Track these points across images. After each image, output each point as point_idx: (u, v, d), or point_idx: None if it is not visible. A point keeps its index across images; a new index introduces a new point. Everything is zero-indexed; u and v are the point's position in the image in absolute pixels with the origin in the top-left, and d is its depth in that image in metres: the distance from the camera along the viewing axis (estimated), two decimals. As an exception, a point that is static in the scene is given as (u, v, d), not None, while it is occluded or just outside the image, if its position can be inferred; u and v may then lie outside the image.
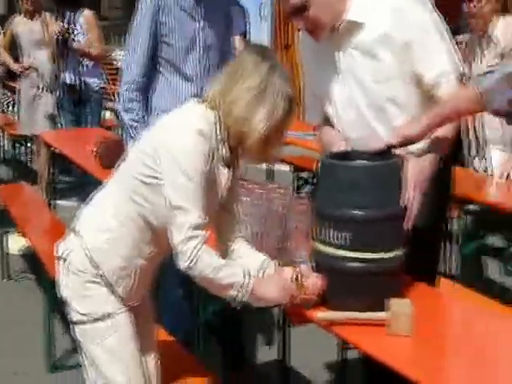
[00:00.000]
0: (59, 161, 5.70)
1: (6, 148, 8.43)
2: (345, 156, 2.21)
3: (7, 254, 5.03)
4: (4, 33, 6.81)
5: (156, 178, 2.08)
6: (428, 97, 2.34)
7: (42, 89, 6.23)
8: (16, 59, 6.44)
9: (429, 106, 2.31)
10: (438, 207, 2.46)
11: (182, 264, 2.04)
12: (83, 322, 2.18)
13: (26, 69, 6.24)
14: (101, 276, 2.15)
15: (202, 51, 3.25)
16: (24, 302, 4.45)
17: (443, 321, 2.12)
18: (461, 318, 2.17)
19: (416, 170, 2.13)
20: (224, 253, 2.21)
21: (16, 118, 6.64)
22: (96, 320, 2.16)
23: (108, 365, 2.17)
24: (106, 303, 2.17)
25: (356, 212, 2.04)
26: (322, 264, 2.16)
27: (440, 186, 2.40)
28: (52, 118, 6.27)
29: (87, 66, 6.05)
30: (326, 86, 2.45)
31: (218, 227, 2.26)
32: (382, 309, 2.02)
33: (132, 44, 3.26)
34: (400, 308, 2.00)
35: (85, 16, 5.98)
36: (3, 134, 8.30)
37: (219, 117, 2.09)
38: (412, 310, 2.00)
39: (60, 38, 5.83)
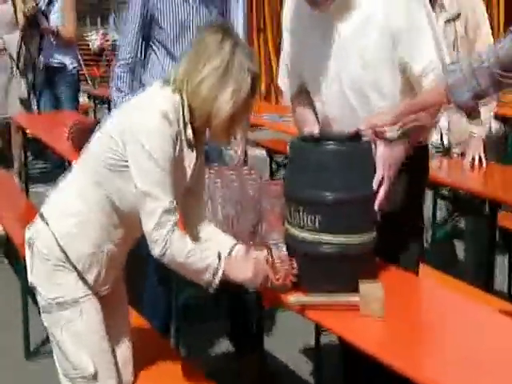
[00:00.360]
0: (34, 145, 5.66)
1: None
2: (315, 139, 2.19)
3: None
4: None
5: (121, 162, 2.05)
6: (411, 86, 2.30)
7: (14, 71, 6.11)
8: None
9: (411, 95, 2.29)
10: (414, 193, 2.45)
11: (156, 251, 2.03)
12: (50, 308, 2.16)
13: None
14: (69, 262, 2.13)
15: (194, 34, 3.23)
16: (-1, 288, 4.41)
17: (416, 303, 2.12)
18: (434, 301, 2.16)
19: (386, 152, 2.12)
20: (193, 237, 2.19)
21: None
22: (62, 306, 2.14)
23: (74, 350, 2.16)
24: (72, 289, 2.15)
25: (325, 194, 2.03)
26: (293, 247, 2.15)
27: (416, 172, 2.39)
28: (25, 102, 6.18)
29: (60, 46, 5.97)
30: (310, 57, 2.39)
31: (185, 212, 2.23)
32: (355, 292, 2.02)
33: (125, 25, 3.35)
34: (371, 291, 2.00)
35: None
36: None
37: (184, 99, 2.07)
38: (383, 292, 1.99)
39: (31, 16, 5.75)
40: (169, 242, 2.01)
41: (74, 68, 6.13)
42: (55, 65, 5.98)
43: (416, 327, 1.98)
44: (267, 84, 8.89)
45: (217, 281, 2.06)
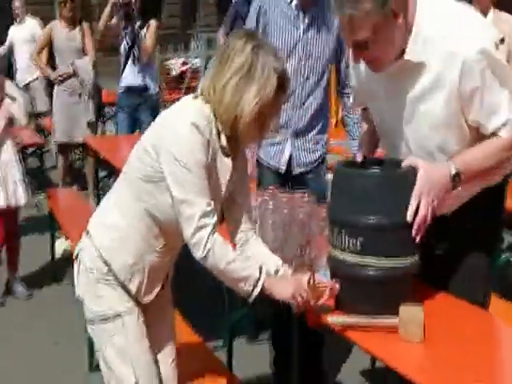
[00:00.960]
0: (108, 166, 5.84)
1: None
2: (359, 164, 2.24)
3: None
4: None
5: (157, 174, 2.14)
6: (481, 137, 2.18)
7: (82, 96, 6.35)
8: (51, 66, 6.52)
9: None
10: (485, 234, 2.35)
11: (197, 255, 2.10)
12: (94, 321, 2.26)
13: (65, 77, 6.32)
14: (112, 274, 2.22)
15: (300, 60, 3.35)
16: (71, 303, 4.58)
17: (457, 328, 2.11)
18: (478, 327, 2.15)
19: (424, 177, 2.09)
20: (237, 245, 2.28)
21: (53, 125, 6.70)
22: (105, 319, 2.23)
23: (117, 364, 2.25)
24: (114, 303, 2.24)
25: (367, 218, 2.07)
26: (335, 269, 2.19)
27: (487, 213, 2.33)
28: (92, 125, 6.41)
29: (145, 69, 6.14)
30: (373, 104, 2.37)
31: (229, 220, 2.31)
32: (395, 315, 2.04)
33: None
34: (411, 314, 2.01)
35: (151, 24, 6.13)
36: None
37: (214, 108, 2.13)
38: (423, 316, 2.01)
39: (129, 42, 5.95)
40: (210, 244, 2.08)
41: (156, 91, 6.27)
42: (137, 85, 6.11)
43: (454, 352, 1.98)
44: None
45: (256, 293, 2.11)
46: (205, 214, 2.08)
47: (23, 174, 4.67)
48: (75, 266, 2.32)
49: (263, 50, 2.10)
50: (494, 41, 2.11)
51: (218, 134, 2.15)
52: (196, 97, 2.19)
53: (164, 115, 2.23)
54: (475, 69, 2.04)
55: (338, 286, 2.15)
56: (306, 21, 3.33)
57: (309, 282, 2.14)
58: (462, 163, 2.12)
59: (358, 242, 2.08)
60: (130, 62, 6.03)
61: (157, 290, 2.33)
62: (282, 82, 2.11)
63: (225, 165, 2.19)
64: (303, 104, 3.39)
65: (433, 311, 2.14)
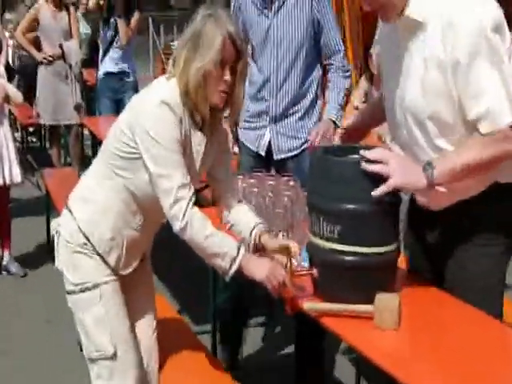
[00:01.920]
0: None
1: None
2: (338, 150, 2.23)
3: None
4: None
5: (133, 151, 2.20)
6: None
7: (68, 77, 6.34)
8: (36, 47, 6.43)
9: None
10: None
11: (176, 227, 2.16)
12: (73, 292, 2.33)
13: (51, 59, 6.30)
14: (91, 246, 2.29)
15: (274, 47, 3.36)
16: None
17: (435, 318, 2.12)
18: (458, 318, 2.13)
19: (394, 164, 2.02)
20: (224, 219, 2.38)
21: (34, 106, 6.69)
22: (84, 290, 2.30)
23: (96, 332, 2.31)
24: (93, 273, 2.30)
25: (344, 205, 2.07)
26: (314, 255, 2.21)
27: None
28: (79, 108, 6.43)
29: (124, 55, 6.21)
30: (388, 79, 2.31)
31: (217, 200, 2.40)
32: (372, 303, 2.05)
33: None
34: (386, 302, 2.03)
35: (134, 15, 6.29)
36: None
37: (179, 82, 2.19)
38: (398, 304, 2.02)
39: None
40: (188, 216, 2.14)
41: (134, 75, 6.39)
42: (116, 71, 6.25)
43: (428, 341, 1.99)
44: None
45: (232, 270, 2.16)
46: (182, 186, 2.15)
47: (18, 152, 4.69)
48: (55, 240, 2.38)
49: (213, 17, 2.16)
50: (495, 22, 1.98)
51: (190, 109, 2.20)
52: (169, 76, 2.24)
53: (138, 96, 2.30)
54: (466, 42, 1.96)
55: (315, 271, 2.17)
56: (274, 7, 3.31)
57: (286, 266, 2.15)
58: (439, 158, 2.07)
59: (336, 230, 2.09)
60: (111, 49, 6.13)
61: (135, 263, 2.40)
62: (234, 45, 2.16)
63: (197, 138, 2.25)
64: (279, 90, 3.38)
65: (413, 300, 2.15)
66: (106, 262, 2.31)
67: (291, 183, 2.72)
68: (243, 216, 2.39)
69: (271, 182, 2.72)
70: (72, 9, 6.38)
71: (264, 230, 2.35)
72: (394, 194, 2.10)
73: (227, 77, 2.17)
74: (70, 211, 2.34)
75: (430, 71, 2.06)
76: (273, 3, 3.32)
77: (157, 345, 2.50)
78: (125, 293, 2.37)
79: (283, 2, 3.31)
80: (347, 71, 3.51)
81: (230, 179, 2.43)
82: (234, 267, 2.16)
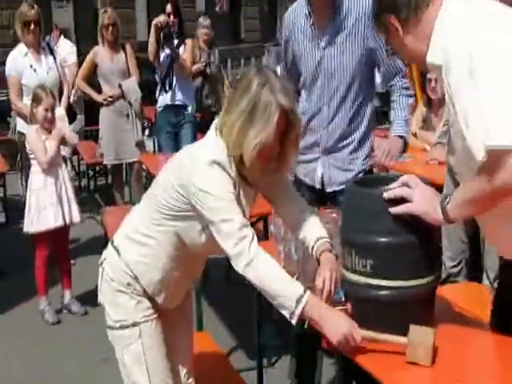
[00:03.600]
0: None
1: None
2: (369, 182, 2.24)
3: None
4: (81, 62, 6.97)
5: (185, 209, 2.27)
6: None
7: (129, 116, 6.47)
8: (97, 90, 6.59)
9: None
10: None
11: (240, 266, 2.15)
12: (113, 327, 2.42)
13: (111, 99, 6.43)
14: (139, 286, 2.38)
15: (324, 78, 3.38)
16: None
17: (477, 358, 2.07)
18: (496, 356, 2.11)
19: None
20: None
21: (98, 146, 6.82)
22: (123, 327, 2.39)
23: (134, 370, 2.40)
24: (133, 312, 2.39)
25: (376, 239, 2.08)
26: (348, 290, 2.22)
27: None
28: (141, 144, 6.56)
29: (183, 87, 6.34)
30: None
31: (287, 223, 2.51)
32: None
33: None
34: (420, 337, 2.00)
35: (187, 42, 6.47)
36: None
37: (227, 144, 2.23)
38: (433, 339, 1.99)
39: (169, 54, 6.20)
40: (252, 254, 2.14)
41: (193, 108, 6.46)
42: (175, 104, 6.35)
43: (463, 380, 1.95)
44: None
45: (299, 311, 2.08)
46: (243, 226, 2.18)
47: (77, 192, 4.82)
48: (99, 273, 2.47)
49: (269, 86, 2.17)
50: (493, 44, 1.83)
51: (240, 171, 2.26)
52: (218, 134, 2.28)
53: (188, 153, 2.33)
54: (454, 68, 1.86)
55: (349, 306, 2.16)
56: (326, 38, 3.31)
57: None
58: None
59: (368, 264, 2.09)
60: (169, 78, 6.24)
61: (178, 301, 2.50)
62: (287, 118, 2.18)
63: (247, 193, 2.32)
64: (330, 122, 3.37)
65: (448, 335, 2.12)
66: (150, 300, 2.40)
67: (333, 215, 2.70)
68: (309, 226, 2.41)
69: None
70: (128, 47, 6.54)
71: (325, 248, 2.34)
72: (426, 224, 2.08)
73: (277, 149, 2.23)
74: (117, 250, 2.42)
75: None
76: (325, 34, 3.30)
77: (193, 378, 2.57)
78: (165, 330, 2.45)
79: (337, 33, 3.29)
80: (410, 89, 3.48)
81: (291, 197, 2.47)
82: (300, 307, 2.08)
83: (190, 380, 2.61)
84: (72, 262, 5.26)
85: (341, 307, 2.22)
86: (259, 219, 4.38)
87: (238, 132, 2.18)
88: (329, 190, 3.41)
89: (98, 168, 8.82)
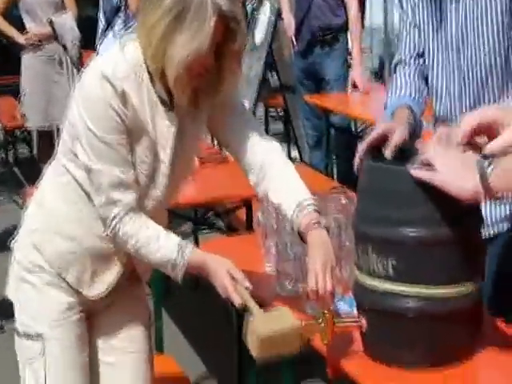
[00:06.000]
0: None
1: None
2: (398, 154, 2.23)
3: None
4: None
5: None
6: None
7: (63, 63, 6.41)
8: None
9: None
10: None
11: (106, 230, 2.37)
12: (18, 333, 2.49)
13: (38, 41, 6.42)
14: (41, 264, 2.43)
15: None
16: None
17: None
18: None
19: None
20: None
21: (19, 105, 6.85)
22: (26, 335, 2.46)
23: None
24: (37, 314, 2.44)
25: (403, 231, 2.09)
26: (361, 299, 2.24)
27: None
28: None
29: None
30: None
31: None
32: (448, 363, 2.11)
33: None
34: (275, 322, 2.20)
35: None
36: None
37: (143, 52, 2.29)
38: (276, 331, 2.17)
39: None
40: (119, 222, 2.33)
41: None
42: None
43: None
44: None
45: (178, 276, 2.37)
46: (114, 186, 2.30)
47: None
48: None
49: None
50: None
51: (149, 81, 2.33)
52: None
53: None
54: None
55: (364, 321, 2.20)
56: None
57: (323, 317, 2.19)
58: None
59: (390, 264, 2.11)
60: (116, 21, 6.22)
61: (110, 281, 2.49)
62: (226, 25, 2.24)
63: (164, 121, 2.37)
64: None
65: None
66: (63, 283, 2.43)
67: (343, 201, 2.73)
68: (282, 184, 2.44)
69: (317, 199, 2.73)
70: None
71: (311, 221, 2.34)
72: (474, 213, 2.13)
73: (211, 61, 2.28)
74: (24, 220, 2.53)
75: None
76: None
77: None
78: (98, 342, 2.54)
79: None
80: None
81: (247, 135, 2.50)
82: (181, 272, 2.35)
83: None
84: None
85: (352, 322, 2.25)
86: (239, 205, 4.40)
87: (161, 38, 2.22)
88: None
89: (18, 134, 8.78)
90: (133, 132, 2.30)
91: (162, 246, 2.35)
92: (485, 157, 1.94)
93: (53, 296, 2.44)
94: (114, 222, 2.33)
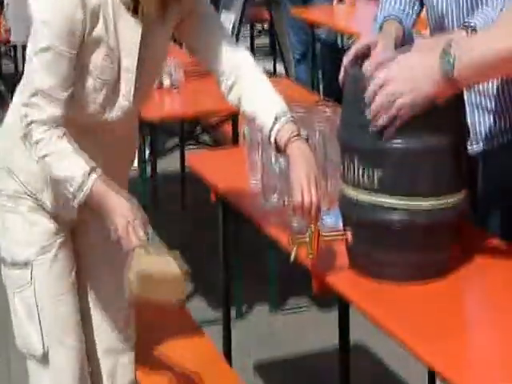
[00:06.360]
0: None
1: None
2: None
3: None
4: None
5: None
6: None
7: None
8: None
9: None
10: None
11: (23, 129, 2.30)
12: (4, 262, 2.48)
13: None
14: (22, 190, 2.42)
15: None
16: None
17: None
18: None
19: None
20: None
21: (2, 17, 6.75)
22: (14, 264, 2.45)
23: (23, 322, 2.46)
24: (24, 241, 2.43)
25: (390, 141, 2.06)
26: (347, 212, 2.22)
27: None
28: None
29: None
30: None
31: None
32: (434, 276, 2.11)
33: None
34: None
35: None
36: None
37: None
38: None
39: None
40: (35, 128, 2.25)
41: None
42: None
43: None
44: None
45: (79, 200, 2.26)
46: (37, 94, 2.23)
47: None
48: None
49: None
50: None
51: None
52: None
53: None
54: None
55: (349, 235, 2.18)
56: None
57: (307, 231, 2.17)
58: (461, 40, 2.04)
59: (376, 176, 2.09)
60: None
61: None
62: None
63: (128, 29, 2.31)
64: None
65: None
66: (41, 208, 2.43)
67: (327, 113, 2.70)
68: (257, 94, 2.40)
69: (301, 111, 2.70)
70: None
71: (292, 133, 2.28)
72: (461, 123, 2.13)
73: None
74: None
75: None
76: None
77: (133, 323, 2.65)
78: (84, 265, 2.55)
79: None
80: None
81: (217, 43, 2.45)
82: (80, 196, 2.25)
83: (129, 332, 2.64)
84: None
85: (337, 236, 2.23)
86: (226, 119, 4.38)
87: None
88: None
89: (2, 49, 8.70)
90: (89, 41, 2.24)
91: (72, 163, 2.27)
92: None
93: (39, 221, 2.44)
94: (30, 126, 2.25)
